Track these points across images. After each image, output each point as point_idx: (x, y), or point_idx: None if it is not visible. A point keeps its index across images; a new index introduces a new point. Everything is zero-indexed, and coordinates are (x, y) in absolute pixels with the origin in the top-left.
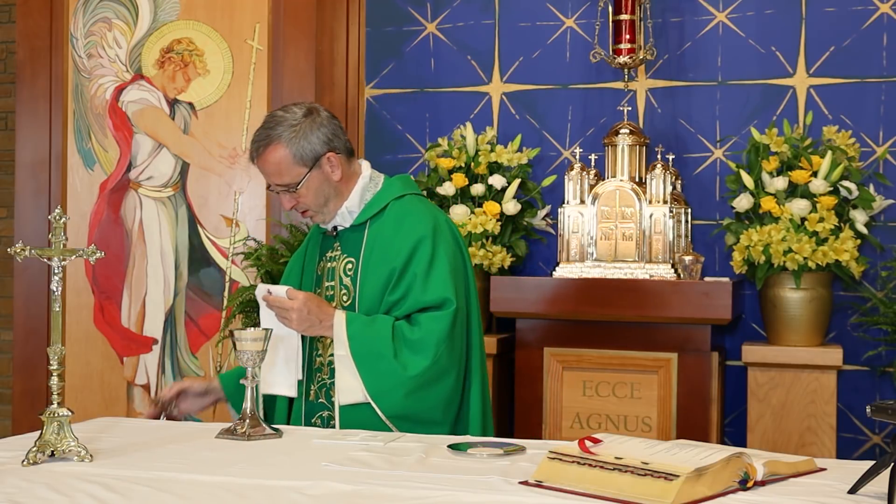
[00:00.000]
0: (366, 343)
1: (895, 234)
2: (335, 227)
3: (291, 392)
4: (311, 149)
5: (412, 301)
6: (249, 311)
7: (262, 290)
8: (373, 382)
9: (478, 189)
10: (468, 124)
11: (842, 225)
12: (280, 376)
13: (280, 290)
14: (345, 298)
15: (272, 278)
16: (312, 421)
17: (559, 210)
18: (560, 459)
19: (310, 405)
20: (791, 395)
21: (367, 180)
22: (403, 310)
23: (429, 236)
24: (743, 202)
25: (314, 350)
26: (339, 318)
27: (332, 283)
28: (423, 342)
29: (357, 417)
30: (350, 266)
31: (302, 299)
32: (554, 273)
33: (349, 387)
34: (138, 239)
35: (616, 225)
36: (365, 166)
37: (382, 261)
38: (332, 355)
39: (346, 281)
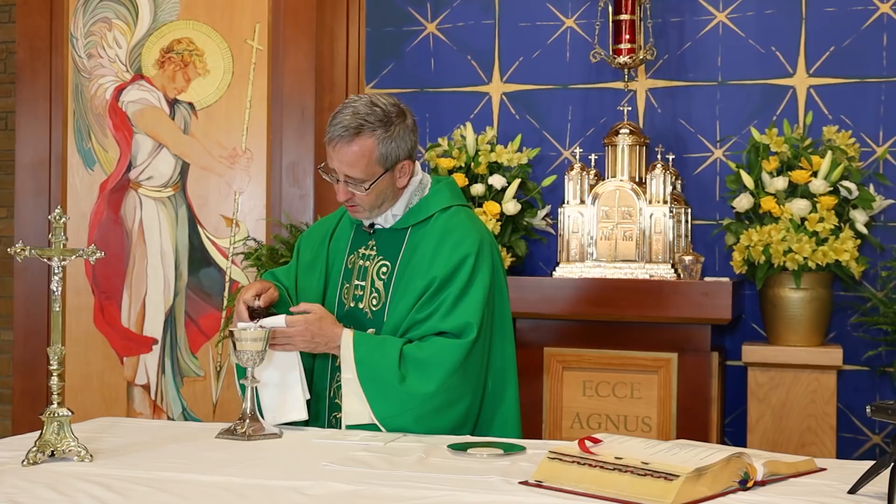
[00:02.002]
0: (373, 368)
1: (895, 234)
2: (372, 224)
3: (302, 415)
4: (396, 154)
5: (430, 326)
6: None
7: (247, 327)
8: (381, 409)
9: (478, 189)
10: (468, 124)
11: (842, 225)
12: (287, 404)
13: (277, 321)
14: (374, 302)
15: (273, 277)
16: (330, 418)
17: (559, 210)
18: (560, 459)
19: (330, 402)
20: (791, 395)
21: (416, 184)
22: (421, 332)
23: (473, 255)
24: (743, 202)
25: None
26: (347, 339)
27: (363, 284)
28: (430, 365)
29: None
30: (385, 270)
31: (303, 325)
32: (554, 273)
33: (356, 410)
34: (138, 239)
35: (616, 225)
36: (417, 169)
37: (421, 271)
38: None
39: (379, 284)
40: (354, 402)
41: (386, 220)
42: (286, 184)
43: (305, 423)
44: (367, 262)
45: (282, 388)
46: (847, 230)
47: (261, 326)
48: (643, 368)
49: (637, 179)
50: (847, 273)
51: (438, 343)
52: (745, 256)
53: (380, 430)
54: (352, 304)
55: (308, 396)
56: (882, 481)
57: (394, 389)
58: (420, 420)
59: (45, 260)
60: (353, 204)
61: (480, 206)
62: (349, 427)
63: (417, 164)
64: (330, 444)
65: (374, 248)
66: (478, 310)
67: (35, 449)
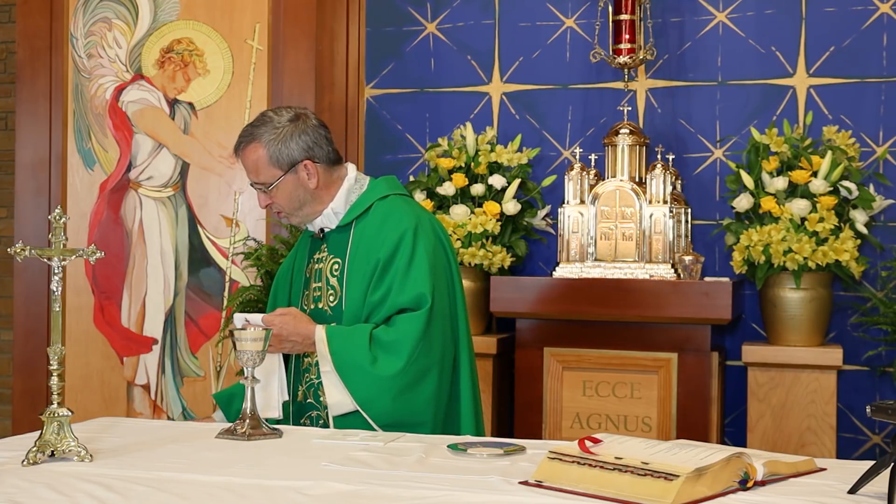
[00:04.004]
0: (347, 355)
1: (895, 234)
2: (322, 230)
3: (275, 413)
4: (289, 154)
5: (390, 304)
6: (249, 311)
7: (239, 319)
8: (359, 393)
9: (478, 189)
10: (468, 124)
11: (842, 225)
12: (262, 402)
13: (256, 319)
14: (332, 299)
15: (272, 278)
16: (301, 421)
17: (559, 210)
18: (560, 459)
19: (298, 406)
20: (791, 395)
21: (353, 182)
22: (383, 313)
23: (410, 230)
24: (743, 202)
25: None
26: (320, 334)
27: (319, 285)
28: (397, 343)
29: (350, 425)
30: (336, 266)
31: (279, 324)
32: (554, 273)
33: (338, 401)
34: (138, 239)
35: (616, 225)
36: (350, 169)
37: (367, 257)
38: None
39: (333, 281)
40: (335, 394)
41: (331, 220)
42: None
43: (280, 423)
44: (321, 265)
45: (258, 387)
46: (847, 230)
47: (246, 321)
48: (643, 368)
49: (637, 179)
50: (847, 273)
51: (401, 321)
52: (745, 256)
53: (364, 418)
54: (312, 307)
55: (286, 398)
56: (882, 481)
57: (367, 372)
58: (397, 399)
59: (45, 260)
60: (278, 210)
61: (480, 206)
62: (336, 418)
63: (350, 165)
64: (330, 444)
65: (326, 249)
66: (426, 279)
67: (35, 449)
